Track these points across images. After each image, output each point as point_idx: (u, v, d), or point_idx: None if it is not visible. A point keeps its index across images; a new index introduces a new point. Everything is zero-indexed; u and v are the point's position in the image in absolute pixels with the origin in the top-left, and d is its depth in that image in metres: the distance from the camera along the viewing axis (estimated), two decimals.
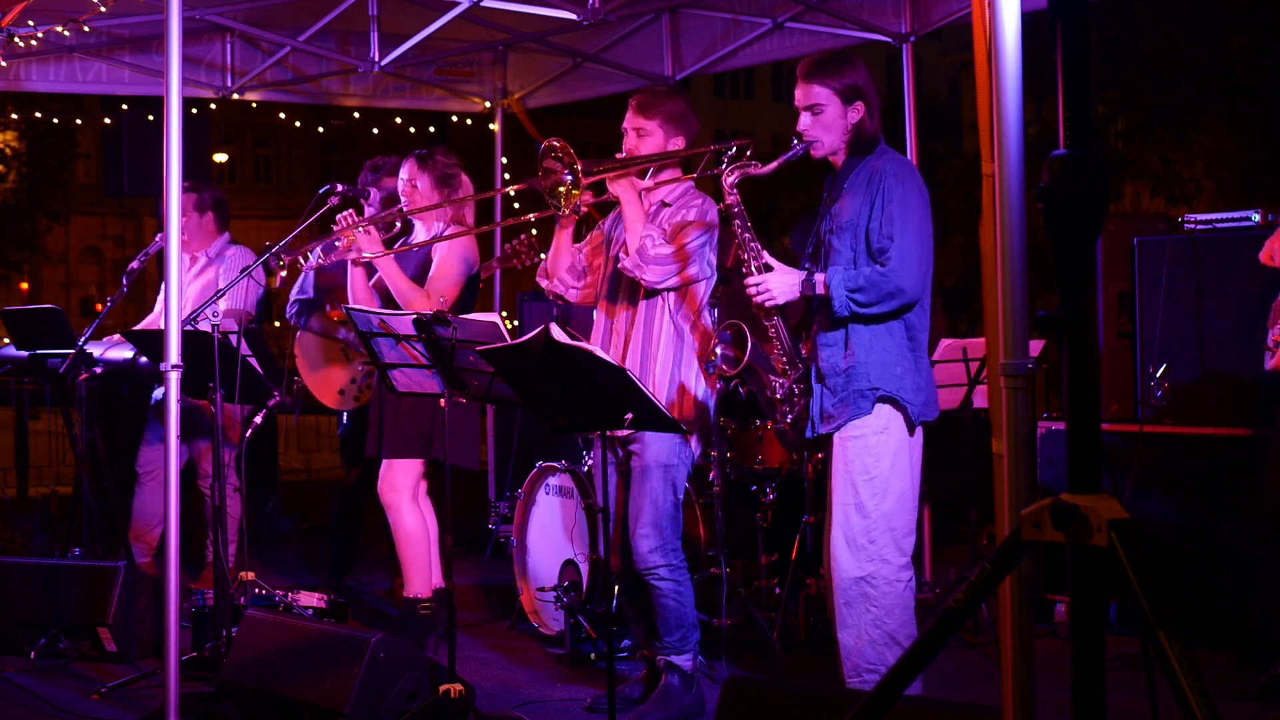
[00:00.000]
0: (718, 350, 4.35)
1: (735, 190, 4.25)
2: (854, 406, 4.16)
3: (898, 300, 4.10)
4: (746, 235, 4.24)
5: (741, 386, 5.90)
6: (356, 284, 5.55)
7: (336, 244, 5.51)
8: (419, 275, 5.51)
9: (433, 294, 5.37)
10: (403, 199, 5.54)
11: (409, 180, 5.53)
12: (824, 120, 4.23)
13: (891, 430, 4.16)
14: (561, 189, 4.39)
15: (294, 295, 6.48)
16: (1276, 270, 4.80)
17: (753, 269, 4.21)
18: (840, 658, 4.19)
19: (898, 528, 4.15)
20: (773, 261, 4.23)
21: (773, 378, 4.29)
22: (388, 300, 5.54)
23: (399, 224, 5.80)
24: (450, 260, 5.47)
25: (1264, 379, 4.95)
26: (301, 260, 5.64)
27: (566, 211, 4.47)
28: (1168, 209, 21.70)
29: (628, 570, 4.70)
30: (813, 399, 4.24)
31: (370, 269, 5.57)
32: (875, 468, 4.14)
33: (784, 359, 4.27)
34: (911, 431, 4.19)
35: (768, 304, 4.18)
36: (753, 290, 4.20)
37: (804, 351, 4.29)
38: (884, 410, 4.15)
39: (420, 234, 5.67)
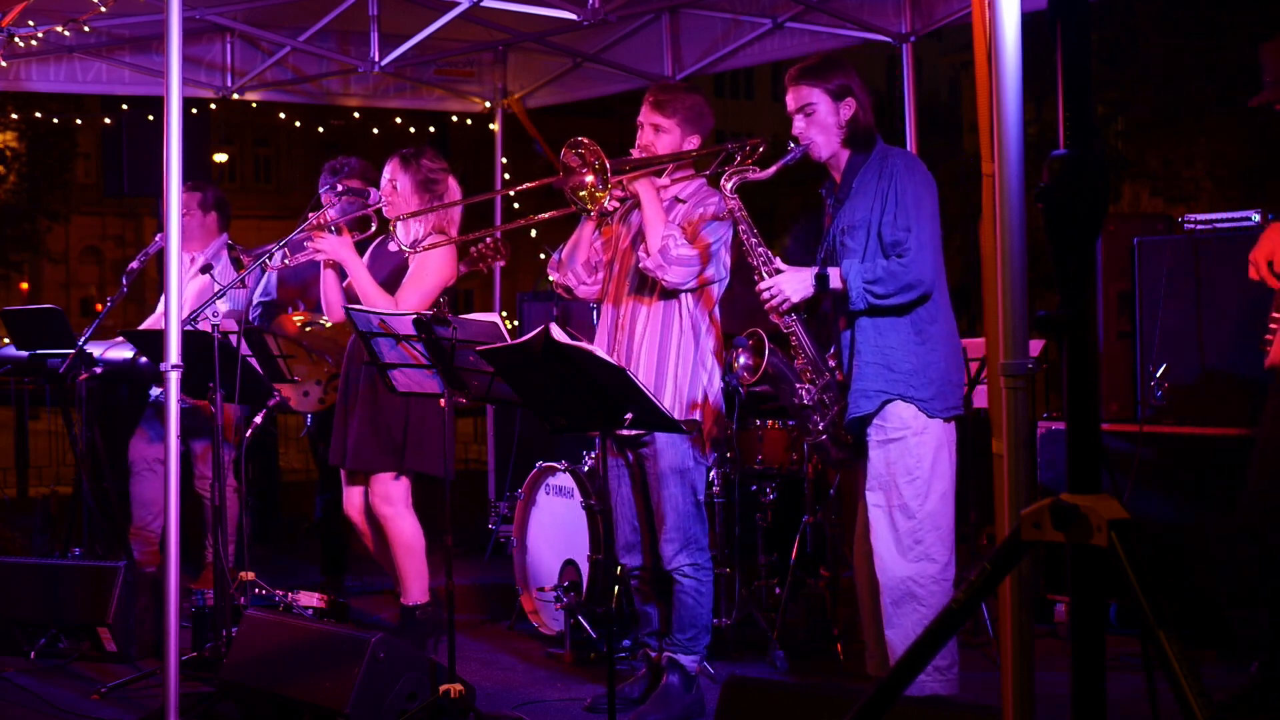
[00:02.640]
0: (740, 359, 4.35)
1: (736, 195, 4.25)
2: (856, 405, 4.18)
3: (916, 291, 4.12)
4: (754, 240, 4.25)
5: (739, 388, 5.88)
6: (329, 286, 5.38)
7: (305, 244, 5.34)
8: (393, 280, 5.33)
9: (402, 304, 5.17)
10: (383, 199, 5.38)
11: (390, 180, 5.35)
12: (817, 120, 4.26)
13: (930, 430, 4.17)
14: (584, 191, 4.36)
15: (257, 297, 6.43)
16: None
17: (763, 274, 4.22)
18: (886, 655, 4.21)
19: (943, 526, 4.19)
20: (782, 265, 4.23)
21: (799, 385, 4.28)
22: (356, 302, 5.40)
23: (374, 224, 5.60)
24: (426, 270, 5.24)
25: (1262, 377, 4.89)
26: (285, 261, 5.50)
27: (594, 213, 4.44)
28: (1168, 209, 21.70)
29: (656, 570, 4.74)
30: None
31: (342, 270, 5.38)
32: (917, 468, 4.16)
33: (809, 367, 4.26)
34: (947, 421, 4.20)
35: (783, 306, 4.18)
36: (765, 294, 4.20)
37: (830, 361, 4.28)
38: (901, 408, 4.16)
39: (400, 236, 5.54)
